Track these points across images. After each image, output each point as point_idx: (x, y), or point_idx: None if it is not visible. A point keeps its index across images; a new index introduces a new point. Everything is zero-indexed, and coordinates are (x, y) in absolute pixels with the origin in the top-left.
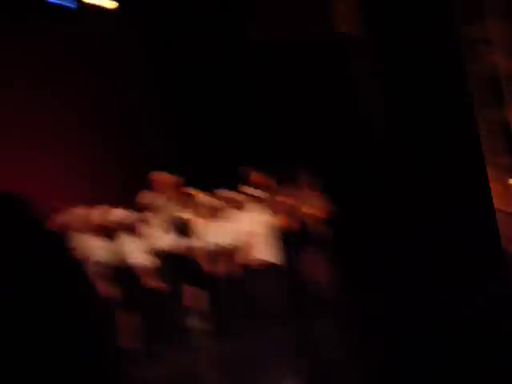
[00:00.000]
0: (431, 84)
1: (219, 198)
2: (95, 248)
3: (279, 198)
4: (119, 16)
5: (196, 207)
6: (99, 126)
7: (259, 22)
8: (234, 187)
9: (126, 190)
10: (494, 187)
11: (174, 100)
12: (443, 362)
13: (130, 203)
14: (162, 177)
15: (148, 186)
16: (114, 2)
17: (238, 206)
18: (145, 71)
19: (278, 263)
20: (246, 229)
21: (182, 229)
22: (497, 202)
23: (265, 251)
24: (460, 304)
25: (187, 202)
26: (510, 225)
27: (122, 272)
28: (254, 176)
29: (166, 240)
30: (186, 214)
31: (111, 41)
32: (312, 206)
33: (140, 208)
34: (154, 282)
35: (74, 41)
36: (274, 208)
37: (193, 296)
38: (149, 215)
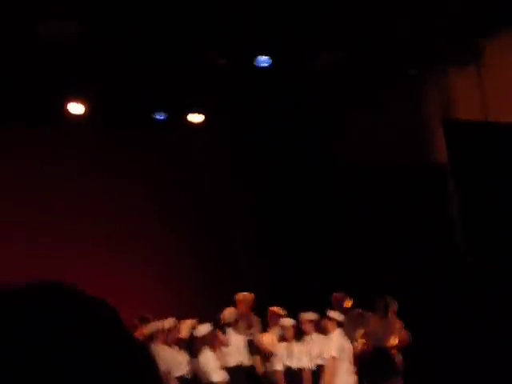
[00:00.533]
0: None
1: (304, 320)
2: (178, 362)
3: (364, 324)
4: (211, 129)
5: (281, 328)
6: (189, 240)
7: (351, 143)
8: (320, 310)
9: (210, 306)
10: None
11: (264, 218)
12: None
13: (212, 319)
14: (247, 297)
15: (232, 303)
16: (202, 116)
17: (323, 329)
18: (235, 186)
19: None
20: (329, 353)
21: (258, 350)
22: None
23: (346, 377)
24: None
25: (271, 322)
26: None
27: None
28: (341, 300)
29: (243, 359)
30: (266, 336)
31: (202, 154)
32: (395, 334)
33: (222, 324)
34: None
35: (167, 152)
36: (359, 333)
37: None
38: (230, 332)
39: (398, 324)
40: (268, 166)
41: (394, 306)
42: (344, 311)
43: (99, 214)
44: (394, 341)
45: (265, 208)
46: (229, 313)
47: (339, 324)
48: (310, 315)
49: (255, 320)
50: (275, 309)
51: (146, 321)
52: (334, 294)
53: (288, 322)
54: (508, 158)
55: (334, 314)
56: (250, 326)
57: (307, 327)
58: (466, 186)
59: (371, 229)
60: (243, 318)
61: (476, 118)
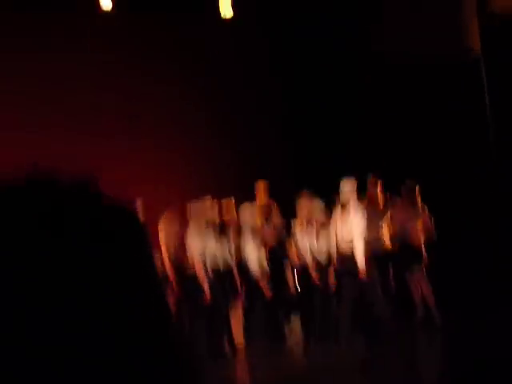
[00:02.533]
0: None
1: (332, 205)
2: (211, 243)
3: (390, 211)
4: (247, 25)
5: (309, 213)
6: (219, 126)
7: (388, 34)
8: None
9: (238, 190)
10: None
11: (293, 106)
12: None
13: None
14: (265, 184)
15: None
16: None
17: (347, 214)
18: (265, 76)
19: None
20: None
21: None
22: None
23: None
24: None
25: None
26: None
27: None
28: (370, 185)
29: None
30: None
31: (235, 46)
32: (420, 223)
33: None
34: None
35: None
36: (384, 220)
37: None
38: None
39: (422, 211)
40: (300, 54)
41: (417, 190)
42: (373, 195)
43: (125, 103)
44: (418, 225)
45: (295, 93)
46: (247, 212)
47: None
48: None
49: (275, 206)
50: (305, 195)
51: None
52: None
53: (318, 206)
54: None
55: (361, 199)
56: (268, 214)
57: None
58: (498, 79)
59: (402, 118)
60: (262, 205)
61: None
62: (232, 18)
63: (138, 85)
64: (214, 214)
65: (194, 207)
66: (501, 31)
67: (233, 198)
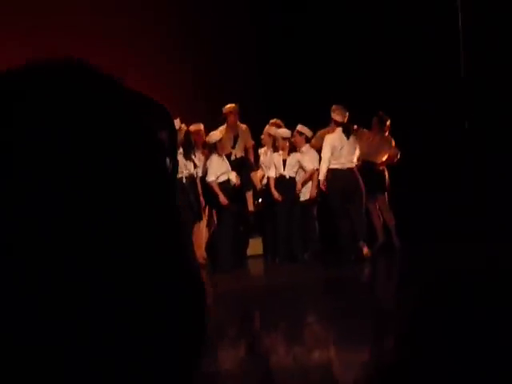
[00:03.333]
0: None
1: (298, 132)
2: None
3: (358, 139)
4: None
5: (275, 139)
6: (192, 50)
7: None
8: (314, 123)
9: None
10: None
11: (266, 34)
12: None
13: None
14: (234, 107)
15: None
16: None
17: (312, 142)
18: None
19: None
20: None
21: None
22: None
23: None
24: None
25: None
26: None
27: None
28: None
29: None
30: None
31: None
32: (385, 151)
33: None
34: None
35: None
36: (349, 147)
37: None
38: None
39: (389, 141)
40: None
41: (388, 122)
42: (340, 125)
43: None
44: (383, 156)
45: (270, 21)
46: (215, 135)
47: (307, 139)
48: (302, 128)
49: (243, 128)
50: (275, 120)
51: None
52: (334, 105)
53: (284, 132)
54: None
55: (302, 129)
56: (236, 138)
57: (299, 139)
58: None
59: (372, 44)
60: (232, 128)
61: None
62: None
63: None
64: (180, 135)
65: None
66: None
67: (201, 123)
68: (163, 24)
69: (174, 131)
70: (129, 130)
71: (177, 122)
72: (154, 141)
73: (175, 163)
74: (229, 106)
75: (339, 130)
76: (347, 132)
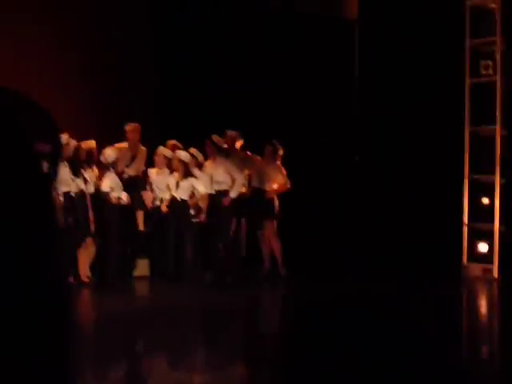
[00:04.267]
0: (427, 88)
1: (190, 155)
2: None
3: (249, 165)
4: None
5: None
6: (89, 66)
7: None
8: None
9: (105, 133)
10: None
11: (167, 56)
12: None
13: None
14: (136, 127)
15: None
16: None
17: (202, 165)
18: (143, 28)
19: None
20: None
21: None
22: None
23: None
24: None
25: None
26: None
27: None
28: (234, 138)
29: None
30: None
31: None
32: (277, 179)
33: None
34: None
35: None
36: (244, 174)
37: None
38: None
39: (280, 170)
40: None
41: (280, 151)
42: (233, 150)
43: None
44: (274, 185)
45: (169, 42)
46: (109, 152)
47: (185, 164)
48: (165, 151)
49: (142, 150)
50: (174, 142)
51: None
52: (228, 131)
53: (184, 155)
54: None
55: (162, 150)
56: (134, 158)
57: (160, 161)
58: (369, 44)
59: (271, 75)
60: (131, 147)
61: None
62: None
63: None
64: (68, 150)
65: None
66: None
67: (93, 140)
68: (62, 37)
69: (56, 138)
70: None
71: (65, 137)
72: (22, 143)
73: (54, 171)
74: (132, 124)
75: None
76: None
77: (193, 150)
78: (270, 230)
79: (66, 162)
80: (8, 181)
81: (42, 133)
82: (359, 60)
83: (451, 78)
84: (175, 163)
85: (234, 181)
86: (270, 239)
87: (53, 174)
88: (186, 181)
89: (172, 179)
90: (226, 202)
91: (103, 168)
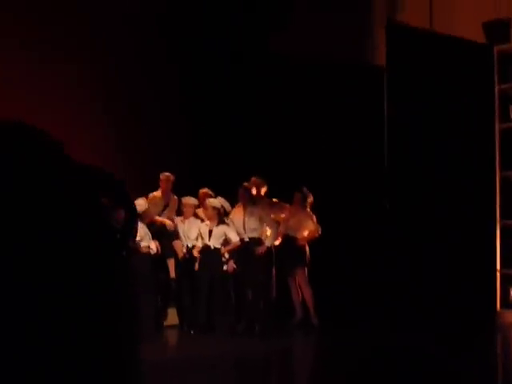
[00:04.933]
0: (457, 135)
1: (219, 203)
2: None
3: (278, 212)
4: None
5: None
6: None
7: (288, 36)
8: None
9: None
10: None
11: (191, 104)
12: None
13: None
14: (169, 177)
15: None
16: None
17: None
18: (166, 74)
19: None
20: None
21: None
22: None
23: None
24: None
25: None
26: None
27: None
28: (258, 186)
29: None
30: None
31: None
32: (307, 226)
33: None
34: None
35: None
36: (268, 221)
37: None
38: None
39: (311, 217)
40: (199, 53)
41: (310, 198)
42: (259, 197)
43: None
44: (305, 232)
45: (193, 92)
46: (141, 202)
47: (218, 212)
48: (190, 199)
49: (174, 200)
50: (206, 190)
51: None
52: (253, 177)
53: (215, 202)
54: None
55: (188, 200)
56: (166, 206)
57: (188, 210)
58: (398, 92)
59: (299, 122)
60: (164, 196)
61: (421, 25)
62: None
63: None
64: None
65: None
66: (405, 44)
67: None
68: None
69: (132, 209)
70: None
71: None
72: (101, 219)
73: (126, 241)
74: (166, 174)
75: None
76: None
77: (220, 199)
78: (301, 277)
79: None
80: (86, 251)
81: (117, 201)
82: (387, 106)
83: (481, 123)
84: (210, 211)
85: (268, 229)
86: (302, 287)
87: (125, 241)
88: (218, 228)
89: (204, 227)
90: (261, 250)
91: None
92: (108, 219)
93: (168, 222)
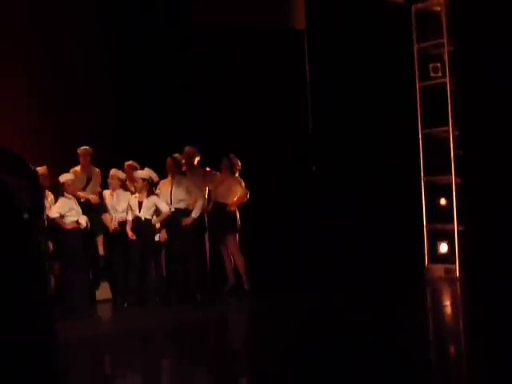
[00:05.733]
0: (379, 94)
1: (148, 174)
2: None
3: (209, 181)
4: None
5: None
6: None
7: (210, 2)
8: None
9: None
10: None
11: (114, 74)
12: None
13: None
14: (87, 150)
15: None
16: None
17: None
18: (89, 42)
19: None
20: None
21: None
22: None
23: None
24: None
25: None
26: None
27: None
28: (192, 155)
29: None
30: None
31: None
32: (236, 192)
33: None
34: None
35: None
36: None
37: None
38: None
39: (239, 182)
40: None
41: (238, 164)
42: (192, 167)
43: None
44: (234, 197)
45: (120, 62)
46: (66, 176)
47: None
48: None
49: (96, 172)
50: (131, 162)
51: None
52: (187, 147)
53: (144, 173)
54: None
55: (115, 172)
56: (89, 180)
57: (114, 183)
58: (318, 54)
59: (224, 89)
60: (84, 170)
61: None
62: None
63: None
64: None
65: None
66: (324, 7)
67: (45, 166)
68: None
69: (35, 182)
70: None
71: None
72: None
73: (36, 213)
74: (83, 147)
75: None
76: None
77: (147, 170)
78: (232, 244)
79: None
80: None
81: (21, 180)
82: (309, 70)
83: (402, 82)
84: (139, 183)
85: (195, 200)
86: (233, 253)
87: (33, 219)
88: (148, 199)
89: (134, 199)
90: (186, 222)
91: (57, 192)
92: (11, 197)
93: (92, 197)
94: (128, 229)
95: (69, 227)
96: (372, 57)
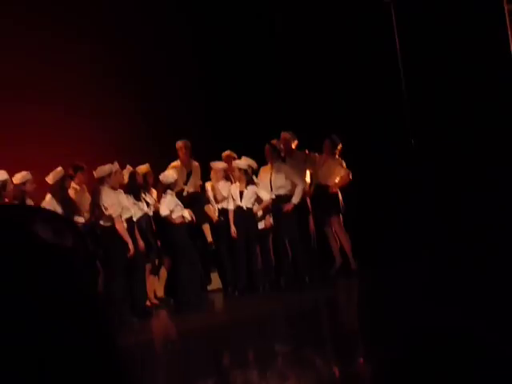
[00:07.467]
0: (471, 61)
1: (246, 164)
2: (125, 205)
3: (310, 164)
4: None
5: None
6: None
7: None
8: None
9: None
10: None
11: (208, 67)
12: None
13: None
14: (186, 143)
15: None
16: None
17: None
18: (179, 38)
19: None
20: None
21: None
22: None
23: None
24: None
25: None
26: None
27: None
28: (289, 141)
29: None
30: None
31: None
32: (337, 173)
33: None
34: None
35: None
36: (295, 177)
37: None
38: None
39: (340, 163)
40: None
41: (339, 145)
42: (290, 152)
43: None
44: (336, 179)
45: (208, 51)
46: (171, 173)
47: (246, 173)
48: (219, 164)
49: (196, 165)
50: (230, 153)
51: (80, 169)
52: (283, 132)
53: (242, 163)
54: None
55: (239, 163)
56: (189, 174)
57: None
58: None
59: (313, 70)
60: (184, 164)
61: None
62: None
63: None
64: (120, 177)
65: (101, 170)
66: None
67: (147, 163)
68: (107, 63)
69: (79, 237)
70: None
71: (115, 165)
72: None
73: (89, 263)
74: (180, 141)
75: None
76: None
77: (245, 158)
78: (336, 225)
79: (120, 189)
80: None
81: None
82: (399, 41)
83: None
84: (236, 173)
85: (294, 187)
86: (338, 234)
87: (87, 266)
88: (248, 189)
89: (235, 189)
90: (286, 208)
91: (161, 190)
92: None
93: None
94: (231, 221)
95: (177, 222)
96: (463, 25)
